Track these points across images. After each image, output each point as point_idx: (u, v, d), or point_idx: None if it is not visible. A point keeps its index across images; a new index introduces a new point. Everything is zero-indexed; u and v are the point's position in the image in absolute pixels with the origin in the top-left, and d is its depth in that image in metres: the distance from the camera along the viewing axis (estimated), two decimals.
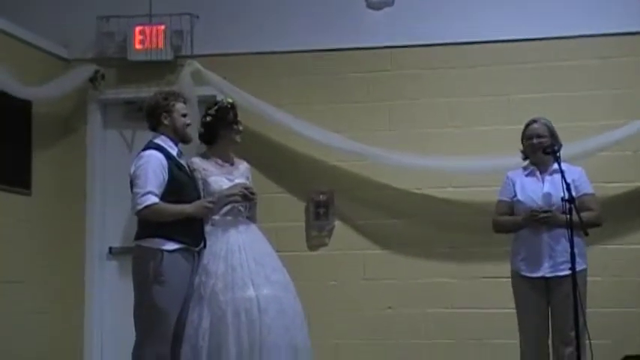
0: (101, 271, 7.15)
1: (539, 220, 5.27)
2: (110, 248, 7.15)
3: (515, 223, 5.41)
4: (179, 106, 5.19)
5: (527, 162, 5.54)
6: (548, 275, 5.29)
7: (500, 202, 5.56)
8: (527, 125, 5.52)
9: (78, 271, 7.06)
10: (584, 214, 5.13)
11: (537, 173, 5.46)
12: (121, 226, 7.01)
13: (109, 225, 7.17)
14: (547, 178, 5.42)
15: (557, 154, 5.25)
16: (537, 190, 5.41)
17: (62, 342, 6.92)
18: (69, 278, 7.00)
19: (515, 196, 5.46)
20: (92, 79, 7.09)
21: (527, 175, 5.49)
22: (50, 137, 6.99)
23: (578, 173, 5.44)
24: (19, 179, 6.60)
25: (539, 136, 5.43)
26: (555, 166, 5.26)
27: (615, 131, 6.35)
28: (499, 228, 5.55)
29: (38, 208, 6.77)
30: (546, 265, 5.30)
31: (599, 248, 6.22)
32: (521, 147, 5.57)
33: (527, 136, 5.49)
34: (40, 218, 6.80)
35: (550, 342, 5.39)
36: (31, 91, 6.56)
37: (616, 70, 6.61)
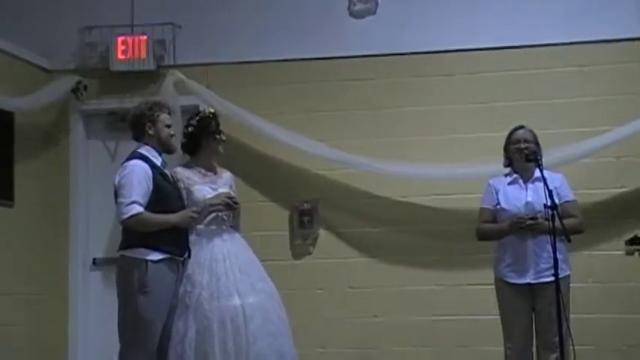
0: (85, 281, 7.12)
1: (525, 227, 5.30)
2: (94, 259, 7.12)
3: (501, 230, 5.42)
4: (163, 117, 5.19)
5: (508, 169, 5.57)
6: (533, 282, 5.31)
7: (483, 209, 5.57)
8: (514, 131, 5.55)
9: (62, 282, 7.03)
10: (567, 221, 5.16)
11: (520, 181, 5.49)
12: (105, 237, 6.99)
13: (92, 236, 7.14)
14: (530, 186, 5.45)
15: (540, 161, 5.29)
16: (521, 197, 5.43)
17: (46, 353, 6.88)
18: (53, 289, 6.97)
19: (499, 204, 5.48)
20: (74, 90, 7.07)
21: (509, 183, 5.51)
22: (33, 148, 6.96)
23: (559, 180, 5.48)
24: (1, 191, 6.56)
25: (526, 141, 5.46)
26: (537, 173, 5.30)
27: (597, 138, 6.39)
28: (484, 236, 5.57)
29: (21, 220, 6.73)
30: (532, 271, 5.32)
31: (583, 255, 6.25)
32: (503, 154, 5.60)
33: (513, 141, 5.52)
34: (23, 230, 6.76)
35: (534, 348, 5.42)
36: (13, 102, 6.54)
37: (597, 77, 6.64)
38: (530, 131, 5.53)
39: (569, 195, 5.47)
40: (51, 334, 6.94)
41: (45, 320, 6.90)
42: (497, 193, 5.51)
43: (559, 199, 5.24)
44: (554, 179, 5.41)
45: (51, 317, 6.96)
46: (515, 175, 5.52)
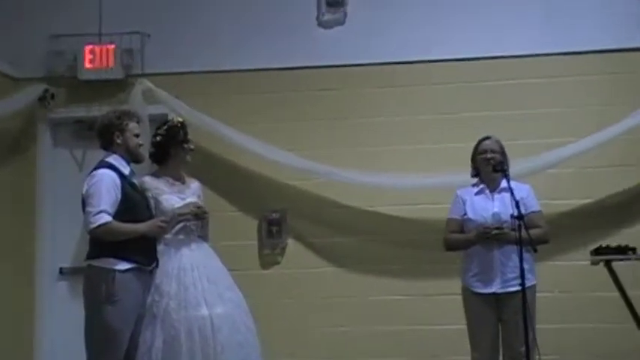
0: (51, 291, 7.07)
1: (490, 237, 5.34)
2: (60, 268, 7.07)
3: (467, 240, 5.47)
4: (132, 126, 5.16)
5: (476, 179, 5.61)
6: (499, 291, 5.36)
7: (450, 220, 5.61)
8: (480, 141, 5.60)
9: (28, 292, 6.98)
10: (532, 231, 5.20)
11: (487, 191, 5.54)
12: (72, 246, 6.93)
13: (59, 245, 7.09)
14: (496, 196, 5.50)
15: (506, 172, 5.34)
16: (488, 207, 5.48)
17: None
18: (19, 299, 6.91)
19: (466, 214, 5.52)
20: (42, 98, 7.04)
21: (476, 194, 5.56)
22: None
23: (526, 191, 5.52)
24: None
25: (492, 151, 5.51)
26: (504, 184, 5.34)
27: (562, 149, 6.45)
28: (451, 246, 5.61)
29: None
30: (498, 281, 5.36)
31: (549, 265, 6.30)
32: (470, 164, 5.64)
33: (480, 151, 5.56)
34: None
35: (501, 358, 5.45)
36: None
37: (563, 88, 6.71)
38: (497, 142, 5.57)
39: (534, 206, 5.52)
40: (17, 344, 6.88)
41: (10, 330, 6.84)
42: (464, 204, 5.55)
43: (525, 210, 5.28)
44: (521, 190, 5.45)
45: (17, 327, 6.89)
46: (482, 186, 5.56)
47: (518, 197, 5.17)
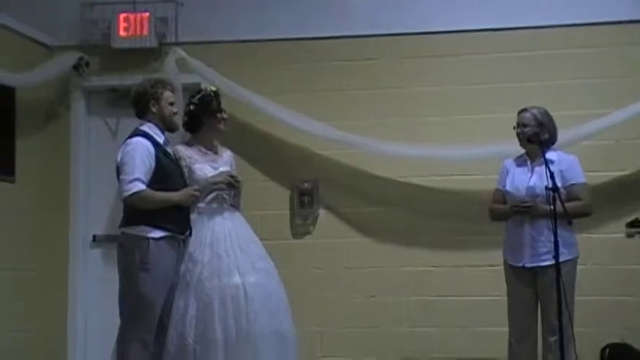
0: (85, 258, 7.13)
1: (522, 211, 5.31)
2: (94, 236, 7.12)
3: (505, 212, 5.47)
4: (167, 95, 5.18)
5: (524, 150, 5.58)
6: (528, 265, 5.35)
7: (496, 190, 5.62)
8: (518, 113, 5.55)
9: (62, 259, 7.04)
10: (572, 204, 5.17)
11: (528, 163, 5.50)
12: (105, 214, 6.99)
13: (92, 213, 7.14)
14: (536, 168, 5.44)
15: (543, 143, 5.28)
16: (524, 180, 5.45)
17: (46, 330, 6.89)
18: (53, 266, 6.97)
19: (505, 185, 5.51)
20: (76, 67, 7.05)
21: (518, 165, 5.54)
22: (34, 124, 6.94)
23: (568, 162, 5.45)
24: (2, 167, 6.54)
25: (523, 125, 5.46)
26: (547, 155, 5.27)
27: (597, 121, 6.38)
28: (493, 215, 5.61)
29: (22, 196, 6.72)
30: (527, 255, 5.35)
31: (584, 237, 6.20)
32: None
33: (516, 124, 5.52)
34: (23, 206, 6.74)
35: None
36: (15, 78, 6.52)
37: (599, 59, 6.63)
38: (533, 114, 5.48)
39: (576, 177, 5.44)
40: (50, 310, 6.95)
41: (44, 296, 6.91)
42: (507, 174, 5.54)
43: (565, 181, 5.25)
44: (564, 161, 5.41)
45: (50, 293, 6.96)
46: (525, 157, 5.53)
47: (559, 169, 5.14)
